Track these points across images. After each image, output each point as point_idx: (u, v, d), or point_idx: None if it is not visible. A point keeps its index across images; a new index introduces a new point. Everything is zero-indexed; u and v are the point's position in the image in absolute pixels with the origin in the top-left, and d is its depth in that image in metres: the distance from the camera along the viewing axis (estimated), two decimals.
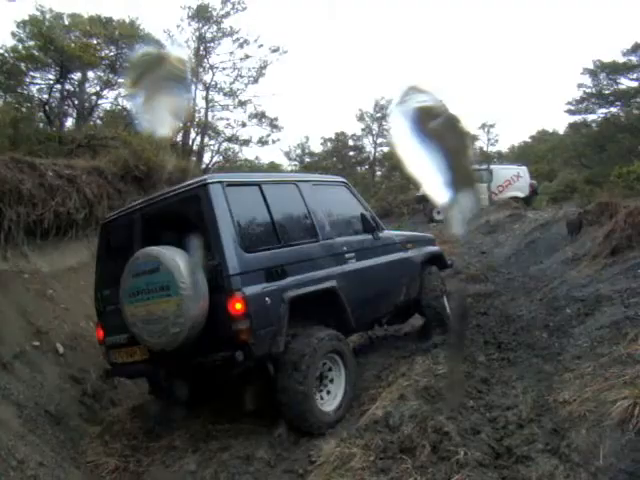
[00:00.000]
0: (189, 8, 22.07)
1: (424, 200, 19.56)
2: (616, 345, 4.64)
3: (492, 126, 39.35)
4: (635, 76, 25.54)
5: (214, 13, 22.32)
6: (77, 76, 13.98)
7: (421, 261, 6.93)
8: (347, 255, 5.79)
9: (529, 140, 45.87)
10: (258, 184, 5.32)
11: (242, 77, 23.34)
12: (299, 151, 37.84)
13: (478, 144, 39.41)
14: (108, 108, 16.57)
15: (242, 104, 23.81)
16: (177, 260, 4.54)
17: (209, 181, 4.83)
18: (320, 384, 5.03)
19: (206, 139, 23.08)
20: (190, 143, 21.37)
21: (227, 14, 22.53)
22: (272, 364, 4.79)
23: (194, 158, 20.28)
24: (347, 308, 5.46)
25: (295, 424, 4.79)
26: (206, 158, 23.04)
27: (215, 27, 22.58)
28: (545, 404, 4.06)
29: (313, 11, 67.72)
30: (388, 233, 6.66)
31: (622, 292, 5.83)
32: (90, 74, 14.08)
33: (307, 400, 4.69)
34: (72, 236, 8.42)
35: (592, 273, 7.45)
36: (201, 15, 21.77)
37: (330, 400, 5.05)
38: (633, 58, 25.15)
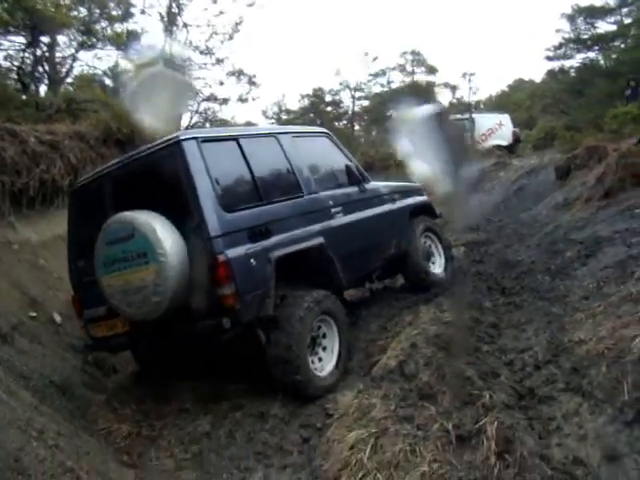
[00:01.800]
0: None
1: None
2: (623, 284, 4.65)
3: (473, 75, 39.16)
4: (613, 19, 25.37)
5: None
6: (47, 40, 13.53)
7: (409, 212, 6.63)
8: (333, 210, 5.51)
9: (506, 89, 45.73)
10: (235, 139, 4.99)
11: (217, 34, 22.79)
12: (276, 109, 37.36)
13: (459, 93, 39.23)
14: (81, 72, 16.09)
15: (219, 62, 23.28)
16: (153, 224, 4.27)
17: (182, 137, 4.52)
18: (313, 348, 4.83)
19: None
20: None
21: None
22: (262, 331, 4.60)
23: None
24: (337, 265, 5.24)
25: (291, 392, 4.60)
26: (185, 119, 22.65)
27: None
28: (560, 345, 4.07)
29: None
30: (374, 184, 6.34)
31: (622, 232, 5.86)
32: (61, 38, 13.65)
33: (301, 367, 4.50)
34: (58, 204, 8.23)
35: (587, 216, 7.48)
36: None
37: (324, 364, 4.87)
38: (610, 1, 25.06)
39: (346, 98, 37.54)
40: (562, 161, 11.15)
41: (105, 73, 15.33)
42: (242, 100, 24.08)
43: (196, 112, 22.66)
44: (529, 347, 4.19)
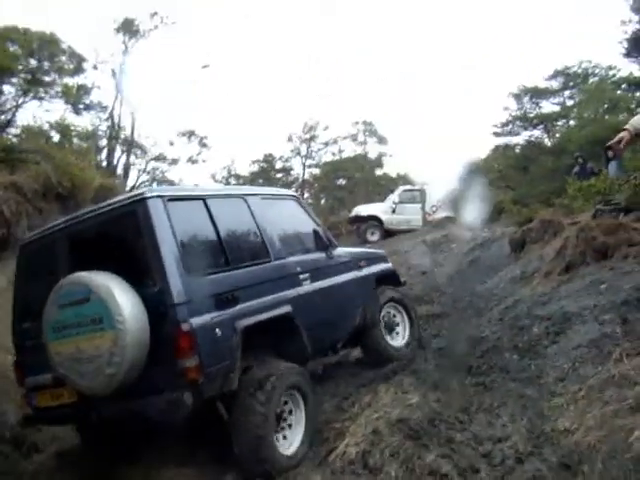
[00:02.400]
0: (115, 21, 21.12)
1: (358, 220, 19.44)
2: (601, 365, 4.33)
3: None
4: (556, 100, 26.70)
5: (141, 27, 21.55)
6: None
7: (375, 279, 6.36)
8: (301, 276, 5.27)
9: None
10: (202, 198, 4.72)
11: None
12: (225, 173, 37.12)
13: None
14: (27, 123, 15.45)
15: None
16: (111, 287, 3.92)
17: (148, 195, 4.21)
18: (279, 424, 4.44)
19: (132, 157, 22.00)
20: (115, 162, 20.35)
21: (155, 27, 21.82)
22: (223, 405, 4.21)
23: (122, 175, 19.47)
24: (303, 334, 4.93)
25: (254, 471, 4.15)
26: (132, 178, 21.99)
27: (142, 41, 21.76)
28: (542, 434, 3.65)
29: (240, 29, 67.22)
30: (341, 251, 6.14)
31: (591, 309, 5.56)
32: (5, 88, 13.11)
33: (266, 444, 4.12)
34: None
35: (548, 291, 7.22)
36: (127, 29, 20.91)
37: (290, 441, 4.48)
38: (554, 83, 26.35)
39: (297, 165, 37.77)
40: (517, 234, 11.05)
41: (52, 126, 14.72)
42: (192, 161, 23.71)
43: (144, 171, 22.10)
44: (507, 436, 3.75)
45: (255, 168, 37.51)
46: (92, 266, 4.13)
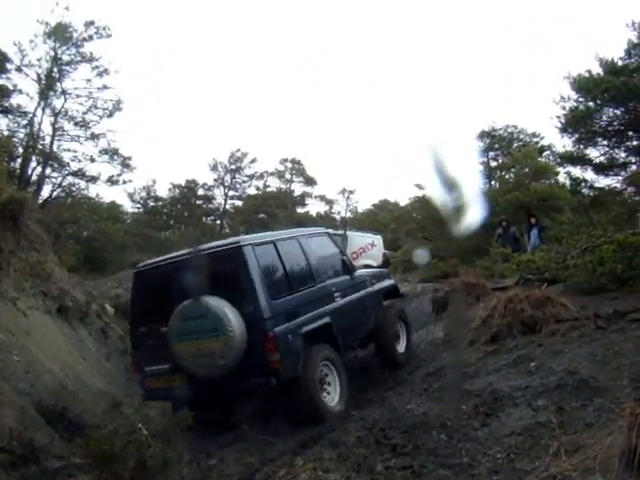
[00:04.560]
0: (46, 24, 19.95)
1: None
2: (538, 459, 4.05)
3: (352, 192, 39.89)
4: (480, 160, 27.39)
5: (74, 35, 20.52)
6: None
7: (383, 293, 8.65)
8: (335, 294, 7.31)
9: (372, 208, 47.10)
10: (273, 242, 6.74)
11: (97, 108, 21.47)
12: (144, 194, 35.86)
13: (336, 208, 39.73)
14: None
15: (94, 137, 21.68)
16: (224, 308, 5.83)
17: (242, 243, 6.28)
18: (322, 385, 6.49)
19: (48, 170, 20.58)
20: (29, 172, 18.96)
21: (89, 38, 20.79)
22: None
23: (34, 188, 18.18)
24: (337, 336, 6.91)
25: (311, 418, 6.08)
26: (46, 191, 20.54)
27: (74, 50, 20.77)
28: None
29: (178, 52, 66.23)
30: (359, 272, 8.32)
31: (522, 390, 5.36)
32: None
33: (315, 398, 6.22)
34: None
35: (474, 361, 7.03)
36: (59, 34, 19.73)
37: (332, 396, 6.60)
38: (480, 143, 27.14)
39: (219, 195, 37.08)
40: (439, 294, 10.93)
41: None
42: (112, 182, 22.44)
43: (59, 186, 20.72)
44: None
45: (176, 192, 36.47)
46: (198, 290, 5.81)
